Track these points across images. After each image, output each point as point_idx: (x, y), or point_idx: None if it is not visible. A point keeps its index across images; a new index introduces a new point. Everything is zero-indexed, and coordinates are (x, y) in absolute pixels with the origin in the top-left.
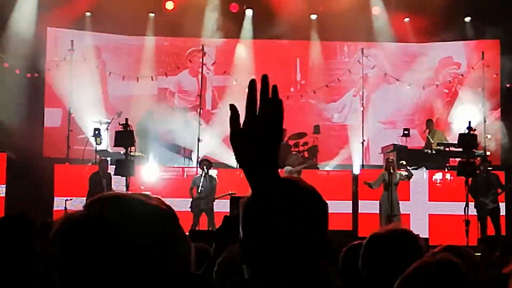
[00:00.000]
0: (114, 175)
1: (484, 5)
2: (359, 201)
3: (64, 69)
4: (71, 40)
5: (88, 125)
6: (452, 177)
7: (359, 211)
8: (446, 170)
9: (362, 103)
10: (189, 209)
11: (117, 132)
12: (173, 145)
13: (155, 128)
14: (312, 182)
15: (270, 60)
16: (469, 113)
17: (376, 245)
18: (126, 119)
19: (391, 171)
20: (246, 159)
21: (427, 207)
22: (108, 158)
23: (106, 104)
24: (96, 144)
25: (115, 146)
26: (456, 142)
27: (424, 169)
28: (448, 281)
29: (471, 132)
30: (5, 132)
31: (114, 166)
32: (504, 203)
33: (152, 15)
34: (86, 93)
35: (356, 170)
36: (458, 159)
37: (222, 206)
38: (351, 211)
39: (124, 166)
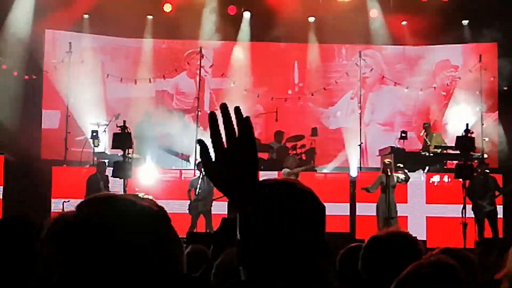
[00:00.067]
0: (111, 177)
1: (481, 8)
2: (357, 204)
3: (62, 71)
4: (69, 42)
5: (86, 127)
6: (449, 180)
7: (357, 213)
8: (444, 172)
9: (360, 106)
10: (187, 211)
11: (115, 134)
12: (171, 147)
13: (153, 130)
14: (310, 185)
15: (268, 62)
16: (464, 113)
17: (375, 247)
18: (124, 121)
19: (389, 173)
20: (226, 191)
21: (425, 210)
22: (106, 160)
23: (104, 106)
24: (94, 146)
25: (112, 148)
26: (453, 144)
27: (422, 171)
28: (444, 283)
29: (469, 135)
30: (3, 134)
31: (111, 168)
32: (501, 206)
33: (150, 17)
34: (84, 95)
35: (354, 173)
36: (455, 162)
37: (220, 208)
38: (348, 213)
39: (122, 168)
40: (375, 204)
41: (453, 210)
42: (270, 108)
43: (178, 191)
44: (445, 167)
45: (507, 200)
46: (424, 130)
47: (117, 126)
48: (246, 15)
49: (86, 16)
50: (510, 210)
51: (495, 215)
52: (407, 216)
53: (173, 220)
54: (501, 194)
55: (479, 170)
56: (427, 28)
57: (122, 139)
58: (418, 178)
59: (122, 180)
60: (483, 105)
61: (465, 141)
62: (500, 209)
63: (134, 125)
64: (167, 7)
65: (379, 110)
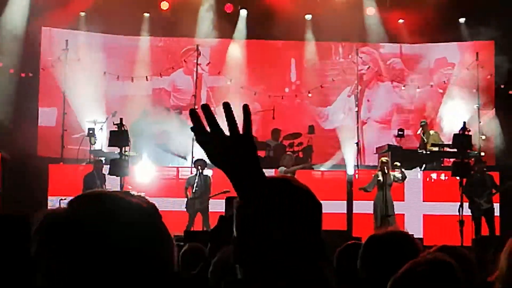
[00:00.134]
0: (108, 175)
1: (478, 6)
2: (354, 202)
3: (59, 68)
4: (65, 39)
5: (83, 125)
6: (446, 178)
7: (354, 211)
8: (441, 170)
9: (357, 104)
10: (185, 209)
11: (111, 132)
12: (168, 145)
13: (149, 128)
14: (307, 182)
15: (264, 60)
16: (458, 109)
17: (374, 246)
18: (121, 119)
19: (386, 171)
20: (231, 173)
21: (422, 208)
22: (103, 158)
23: (101, 104)
24: (91, 143)
25: (109, 146)
26: (449, 141)
27: (419, 169)
28: (441, 281)
29: (466, 132)
30: None
31: (108, 166)
32: (498, 204)
33: (147, 15)
34: (80, 93)
35: (350, 171)
36: (452, 160)
37: (217, 206)
38: (345, 211)
39: (119, 166)
40: (372, 202)
41: (450, 208)
42: (267, 106)
43: (175, 189)
44: (442, 165)
45: (504, 198)
46: (421, 128)
47: (114, 124)
48: (243, 13)
49: (82, 13)
50: (507, 208)
51: (492, 213)
52: (404, 214)
53: (171, 218)
54: (498, 192)
55: (476, 168)
56: (424, 26)
57: (119, 136)
58: (415, 176)
59: (119, 177)
60: (480, 103)
61: (462, 139)
62: (497, 207)
63: (131, 122)
64: (164, 5)
65: (376, 108)
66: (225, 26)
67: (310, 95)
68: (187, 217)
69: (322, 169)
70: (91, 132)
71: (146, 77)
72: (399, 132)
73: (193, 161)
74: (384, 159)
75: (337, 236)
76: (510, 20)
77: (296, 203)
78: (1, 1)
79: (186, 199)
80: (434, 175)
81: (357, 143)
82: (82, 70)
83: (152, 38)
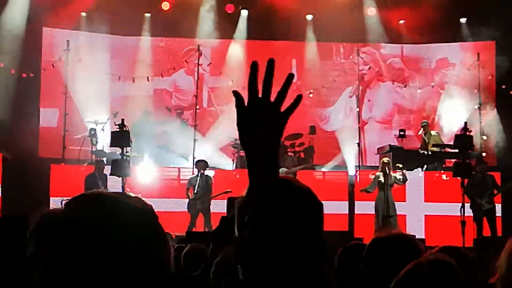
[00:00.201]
0: (110, 175)
1: (479, 6)
2: (355, 202)
3: (60, 69)
4: (66, 40)
5: (84, 125)
6: (448, 178)
7: (355, 212)
8: (442, 171)
9: (358, 104)
10: (186, 210)
11: (113, 133)
12: (169, 145)
13: (151, 129)
14: (308, 183)
15: (265, 60)
16: (457, 109)
17: (378, 249)
18: (122, 120)
19: (387, 172)
20: (251, 141)
21: (423, 208)
22: (104, 159)
23: (102, 105)
24: (92, 144)
25: (111, 146)
26: (450, 142)
27: (420, 170)
28: (442, 281)
29: (467, 133)
30: (0, 132)
31: (110, 167)
32: (500, 204)
33: (148, 15)
34: (82, 93)
35: (351, 171)
36: (454, 160)
37: (218, 207)
38: (347, 212)
39: (120, 167)
40: (374, 202)
41: (451, 209)
42: None
43: (176, 190)
44: (444, 165)
45: (505, 199)
46: (422, 129)
47: (115, 124)
48: (244, 13)
49: (83, 14)
50: (509, 208)
51: (493, 214)
52: (405, 215)
53: (172, 218)
54: (499, 193)
55: (478, 169)
56: (425, 26)
57: (120, 137)
58: (416, 176)
59: (121, 178)
60: (481, 103)
61: (464, 139)
62: (498, 207)
63: (132, 123)
64: (165, 5)
65: (377, 108)
66: (226, 26)
67: (311, 95)
68: (189, 218)
69: (323, 169)
70: (92, 132)
71: (147, 77)
72: (400, 133)
73: (195, 162)
74: (385, 159)
75: (339, 236)
76: (511, 20)
77: (296, 203)
78: (2, 0)
79: (187, 199)
80: (435, 176)
81: (359, 144)
82: (83, 71)
83: (153, 38)
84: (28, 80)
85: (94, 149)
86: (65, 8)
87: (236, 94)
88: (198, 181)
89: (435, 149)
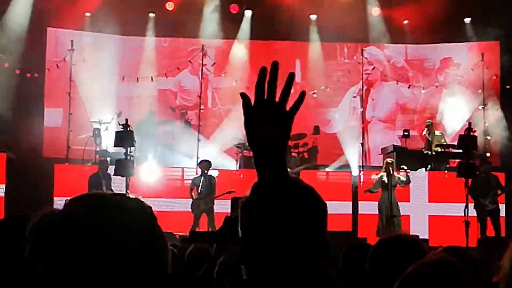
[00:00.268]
0: (113, 175)
1: (484, 7)
2: (359, 202)
3: (64, 69)
4: (71, 40)
5: (88, 125)
6: (452, 178)
7: (359, 212)
8: (446, 171)
9: (362, 104)
10: (190, 210)
11: (117, 133)
12: (173, 145)
13: (155, 129)
14: (312, 183)
15: (269, 61)
16: (463, 109)
17: (384, 250)
18: (126, 120)
19: (391, 172)
20: (259, 141)
21: (427, 208)
22: (108, 159)
23: (106, 105)
24: (96, 144)
25: (115, 146)
26: (454, 142)
27: (424, 170)
28: (446, 281)
29: (471, 133)
30: (5, 132)
31: (114, 166)
32: (504, 204)
33: (152, 15)
34: (86, 93)
35: (355, 171)
36: (458, 160)
37: (222, 207)
38: (351, 212)
39: (124, 166)
40: (377, 203)
41: (455, 209)
42: None
43: (180, 190)
44: (448, 165)
45: (509, 199)
46: (426, 129)
47: (119, 124)
48: (248, 13)
49: (88, 14)
50: None
51: (497, 214)
52: (409, 215)
53: (176, 218)
54: (503, 193)
55: (482, 169)
56: (429, 26)
57: (124, 137)
58: (420, 176)
59: (125, 178)
60: (485, 104)
61: (468, 139)
62: (502, 207)
63: (136, 123)
64: (169, 5)
65: (381, 108)
66: (230, 26)
67: (315, 95)
68: (192, 218)
69: (327, 170)
70: (96, 132)
71: (152, 77)
72: (404, 133)
73: (198, 162)
74: (389, 159)
75: (342, 237)
76: None
77: (296, 202)
78: (6, 0)
79: (191, 199)
80: (439, 176)
81: (362, 144)
82: (87, 71)
83: (157, 38)
84: (32, 80)
85: (98, 149)
86: (70, 8)
87: (243, 96)
88: (201, 181)
89: (439, 149)
